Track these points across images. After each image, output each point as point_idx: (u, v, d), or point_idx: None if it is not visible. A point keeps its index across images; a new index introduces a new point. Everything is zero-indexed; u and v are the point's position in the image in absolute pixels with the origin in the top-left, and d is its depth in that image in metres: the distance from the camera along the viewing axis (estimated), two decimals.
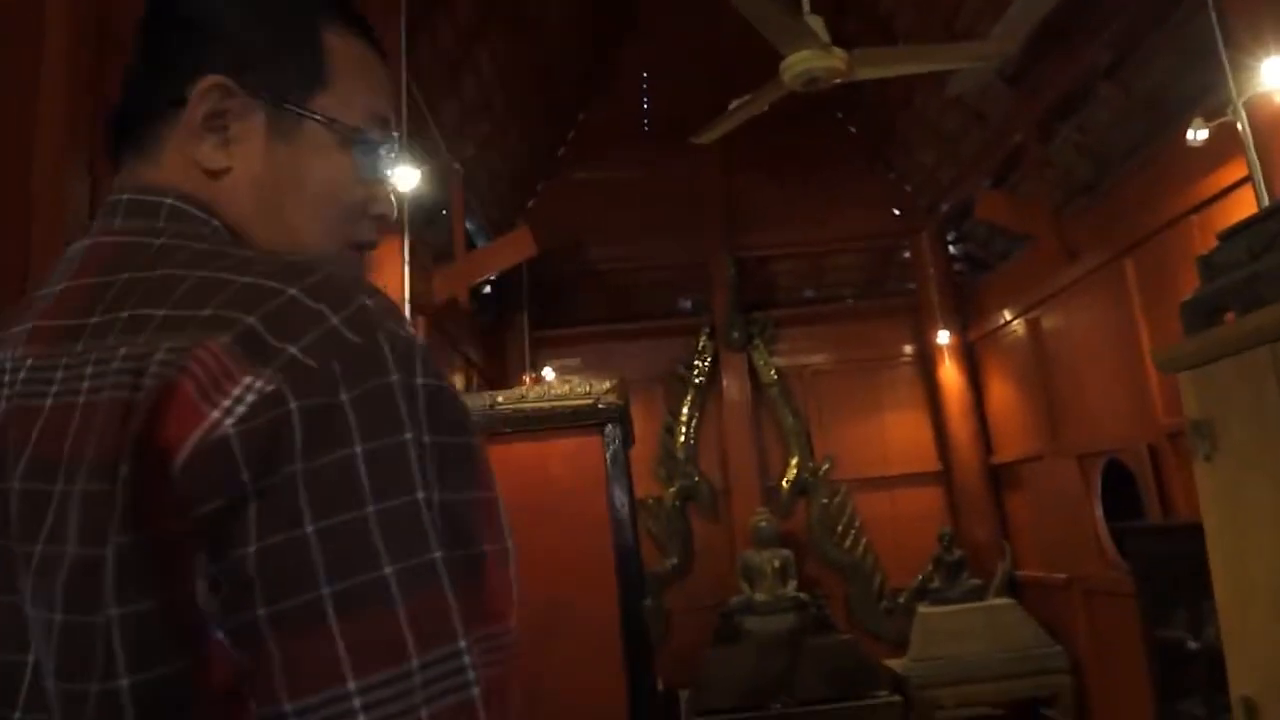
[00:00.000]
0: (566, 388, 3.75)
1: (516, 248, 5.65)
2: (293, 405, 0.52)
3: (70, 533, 0.53)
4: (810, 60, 3.41)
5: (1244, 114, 3.45)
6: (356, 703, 0.49)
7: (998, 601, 6.13)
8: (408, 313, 4.09)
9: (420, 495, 0.53)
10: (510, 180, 6.81)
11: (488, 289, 7.48)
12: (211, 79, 0.67)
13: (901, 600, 6.76)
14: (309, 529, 0.50)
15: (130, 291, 0.59)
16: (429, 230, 5.76)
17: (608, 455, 3.64)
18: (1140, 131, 4.96)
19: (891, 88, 6.65)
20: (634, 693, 3.46)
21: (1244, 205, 3.63)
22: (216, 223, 0.67)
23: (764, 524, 6.56)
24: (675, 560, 6.98)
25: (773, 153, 7.34)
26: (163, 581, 0.51)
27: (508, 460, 3.15)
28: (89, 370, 0.56)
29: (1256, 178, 3.39)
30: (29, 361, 0.60)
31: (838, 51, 3.45)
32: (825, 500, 7.08)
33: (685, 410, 7.23)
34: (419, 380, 0.56)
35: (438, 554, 0.53)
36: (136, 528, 0.51)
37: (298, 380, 0.52)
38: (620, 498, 3.68)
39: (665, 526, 7.04)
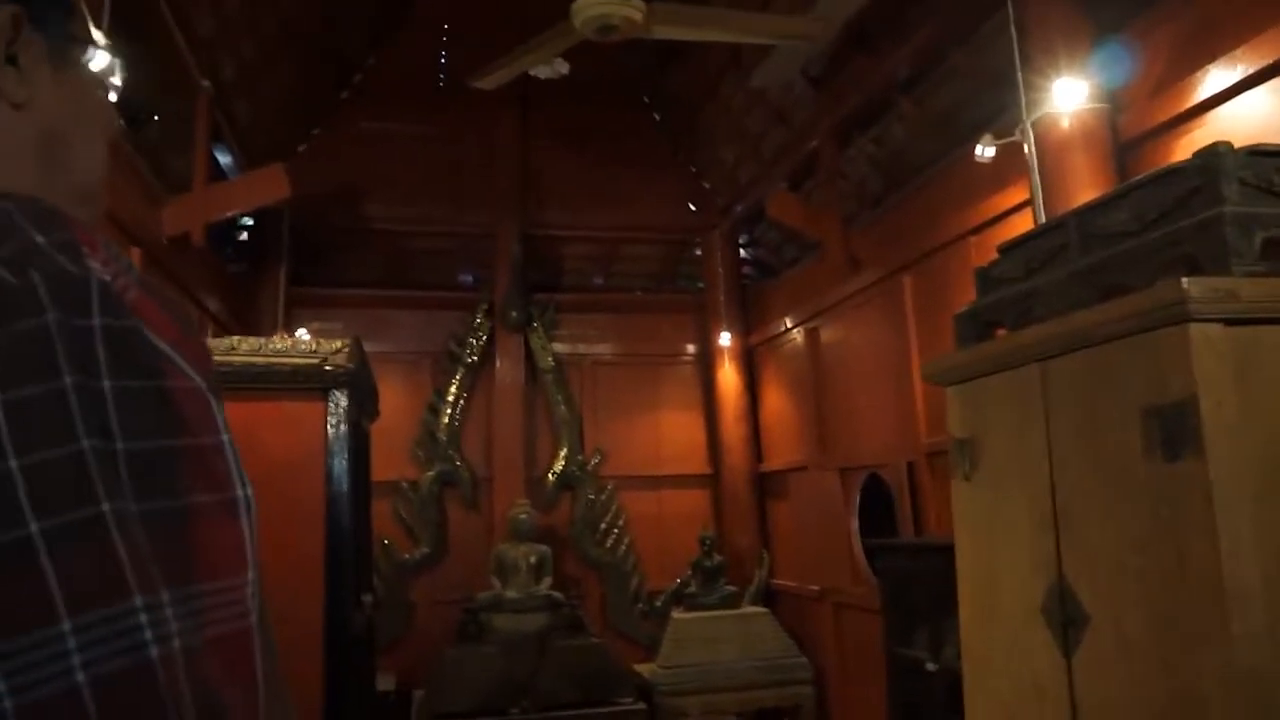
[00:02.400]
0: (288, 343, 3.23)
1: (266, 186, 4.95)
2: None
3: None
4: (605, 5, 3.07)
5: (1032, 134, 3.42)
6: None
7: (751, 610, 6.06)
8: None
9: (85, 445, 0.48)
10: (279, 115, 6.09)
11: (245, 235, 6.70)
12: (9, 8, 0.62)
13: (658, 604, 6.59)
14: None
15: None
16: (171, 155, 5.01)
17: (330, 425, 3.15)
18: (931, 150, 4.96)
19: (698, 75, 6.47)
20: (336, 699, 3.01)
21: (1022, 229, 3.62)
22: None
23: (523, 516, 6.19)
24: (427, 549, 6.50)
25: (574, 131, 7.03)
26: None
27: None
28: None
29: (1037, 199, 3.35)
30: None
31: (636, 0, 3.13)
32: (591, 496, 6.81)
33: (453, 389, 6.75)
34: (95, 320, 0.50)
35: (106, 507, 0.47)
36: None
37: None
38: (342, 477, 3.21)
39: (418, 513, 6.54)
